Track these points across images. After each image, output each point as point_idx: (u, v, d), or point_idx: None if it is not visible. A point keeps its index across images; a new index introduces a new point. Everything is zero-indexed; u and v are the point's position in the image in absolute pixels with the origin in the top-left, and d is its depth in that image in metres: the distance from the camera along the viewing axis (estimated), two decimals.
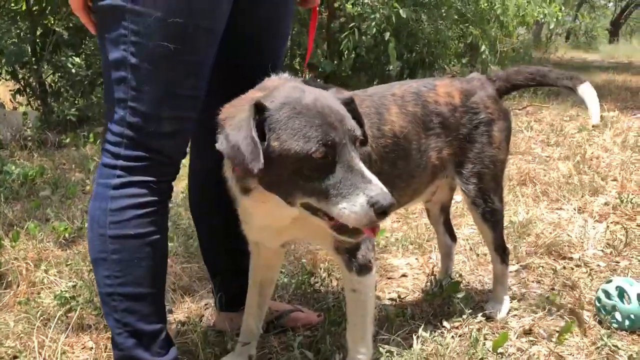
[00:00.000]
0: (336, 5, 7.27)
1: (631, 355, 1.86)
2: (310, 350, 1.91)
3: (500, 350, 1.91)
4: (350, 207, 1.25)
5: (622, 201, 3.37)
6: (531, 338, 2.03)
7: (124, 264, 1.53)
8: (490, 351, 1.90)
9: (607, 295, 2.11)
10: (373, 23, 6.59)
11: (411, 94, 1.91)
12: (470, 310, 2.12)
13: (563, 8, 9.15)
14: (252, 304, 1.90)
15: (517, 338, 2.03)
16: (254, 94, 1.48)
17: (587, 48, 20.60)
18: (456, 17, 7.76)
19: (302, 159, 1.28)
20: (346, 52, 6.98)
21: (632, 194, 3.51)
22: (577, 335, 2.02)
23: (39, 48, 5.99)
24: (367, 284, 1.69)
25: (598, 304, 2.14)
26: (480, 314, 2.12)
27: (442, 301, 2.25)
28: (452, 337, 1.94)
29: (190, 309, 2.29)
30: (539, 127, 5.79)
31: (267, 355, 1.96)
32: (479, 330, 2.03)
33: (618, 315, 2.07)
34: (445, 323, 2.11)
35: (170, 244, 2.82)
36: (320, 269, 2.56)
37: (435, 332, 2.01)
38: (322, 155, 1.27)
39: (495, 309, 2.18)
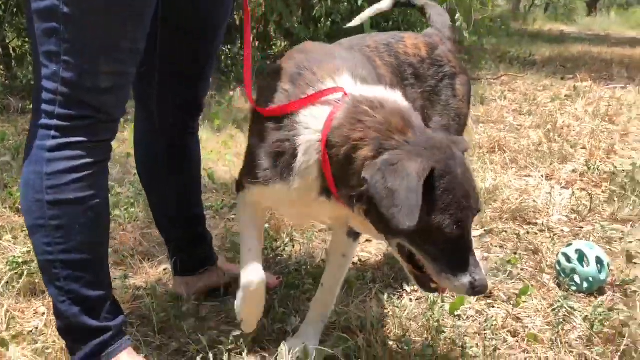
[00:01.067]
0: None
1: (586, 316, 1.87)
2: (268, 313, 1.88)
3: (458, 312, 1.91)
4: (454, 281, 1.34)
5: (589, 168, 3.38)
6: (490, 301, 2.04)
7: (64, 230, 1.44)
8: (447, 313, 1.90)
9: (567, 258, 2.11)
10: None
11: (383, 45, 1.89)
12: None
13: None
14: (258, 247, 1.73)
15: (476, 301, 2.03)
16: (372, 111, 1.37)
17: (566, 20, 20.60)
18: None
19: (436, 229, 1.30)
20: (322, 19, 6.84)
21: (600, 162, 3.52)
22: (535, 298, 2.03)
23: (1, 11, 5.75)
24: (355, 248, 1.79)
25: (558, 267, 2.15)
26: None
27: None
28: (411, 300, 1.93)
29: (148, 274, 2.24)
30: (513, 96, 5.78)
31: (225, 320, 1.93)
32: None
33: (577, 278, 2.08)
34: (405, 286, 2.10)
35: (131, 210, 2.75)
36: (284, 233, 2.52)
37: (394, 295, 2.00)
38: (453, 232, 1.31)
39: None
